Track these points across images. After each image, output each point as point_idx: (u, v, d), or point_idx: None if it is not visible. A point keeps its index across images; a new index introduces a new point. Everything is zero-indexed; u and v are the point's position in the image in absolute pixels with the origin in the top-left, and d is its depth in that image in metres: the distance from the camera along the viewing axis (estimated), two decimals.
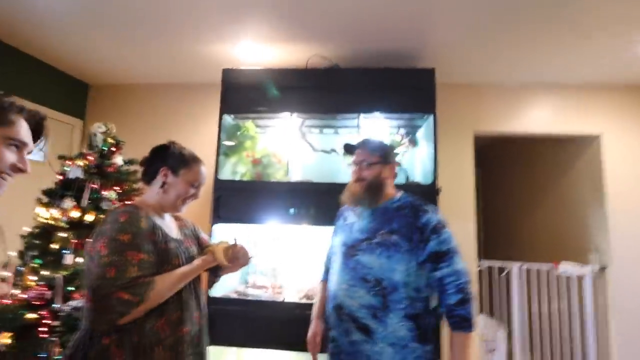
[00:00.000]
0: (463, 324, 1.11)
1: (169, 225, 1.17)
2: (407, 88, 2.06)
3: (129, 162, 1.99)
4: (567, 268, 2.45)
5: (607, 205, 2.42)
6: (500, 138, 2.89)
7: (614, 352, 2.31)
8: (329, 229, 2.27)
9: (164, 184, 1.14)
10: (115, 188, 1.87)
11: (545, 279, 2.57)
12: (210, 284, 1.38)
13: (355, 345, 1.17)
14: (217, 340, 1.60)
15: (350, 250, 1.25)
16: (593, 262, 2.49)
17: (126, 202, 1.13)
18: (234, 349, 2.04)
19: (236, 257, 1.22)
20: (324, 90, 2.10)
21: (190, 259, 1.14)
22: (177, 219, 1.24)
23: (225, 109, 2.10)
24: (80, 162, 1.81)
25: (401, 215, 1.23)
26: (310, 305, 1.96)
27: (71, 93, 2.77)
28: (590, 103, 2.52)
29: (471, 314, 1.12)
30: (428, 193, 1.91)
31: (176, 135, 2.66)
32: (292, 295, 2.01)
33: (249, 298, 1.97)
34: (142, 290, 0.95)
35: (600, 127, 2.50)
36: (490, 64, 2.31)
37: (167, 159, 1.16)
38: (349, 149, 1.38)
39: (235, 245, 1.22)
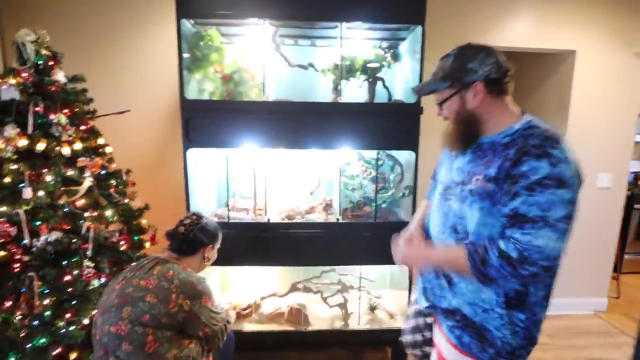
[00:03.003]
0: (478, 265, 0.88)
1: None
2: None
3: (73, 79, 1.70)
4: None
5: (568, 122, 2.56)
6: None
7: None
8: (306, 152, 2.23)
9: (208, 258, 1.47)
10: (64, 111, 1.62)
11: None
12: None
13: (441, 290, 1.06)
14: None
15: (446, 191, 1.05)
16: None
17: (174, 262, 1.35)
18: (217, 268, 2.13)
19: None
20: None
21: None
22: None
23: (182, 12, 1.76)
24: (13, 80, 1.50)
25: (503, 156, 0.90)
26: (292, 225, 2.03)
27: None
28: (568, 18, 2.43)
29: (494, 275, 0.87)
30: (411, 113, 1.87)
31: (125, 46, 2.27)
32: (273, 216, 2.04)
33: (234, 221, 1.98)
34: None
35: (576, 42, 2.47)
36: None
37: (210, 237, 1.45)
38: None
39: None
